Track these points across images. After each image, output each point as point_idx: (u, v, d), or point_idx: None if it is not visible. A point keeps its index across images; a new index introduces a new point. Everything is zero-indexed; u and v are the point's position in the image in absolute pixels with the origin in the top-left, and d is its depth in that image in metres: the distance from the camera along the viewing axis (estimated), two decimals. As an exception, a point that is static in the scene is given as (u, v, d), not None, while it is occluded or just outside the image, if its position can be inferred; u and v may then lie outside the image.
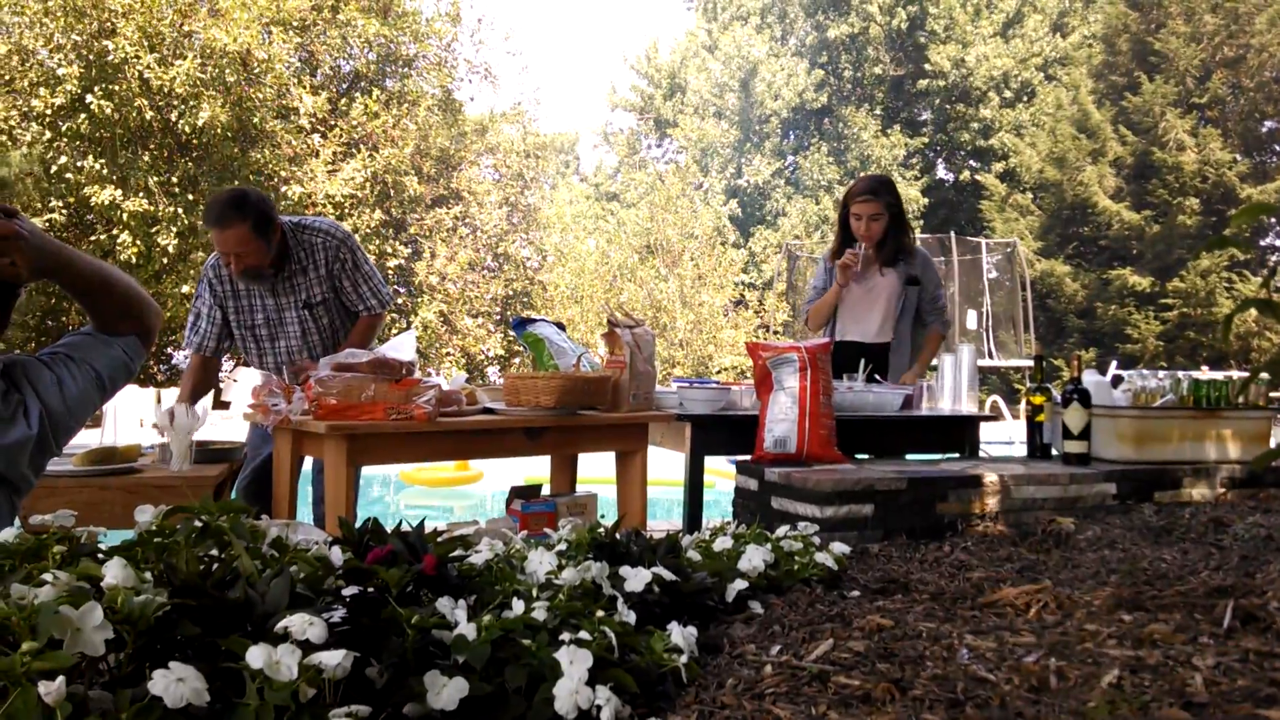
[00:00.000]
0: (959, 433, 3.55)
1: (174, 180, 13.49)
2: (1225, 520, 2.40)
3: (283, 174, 13.79)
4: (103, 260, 1.88)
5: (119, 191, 12.76)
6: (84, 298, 1.78)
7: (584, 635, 1.16)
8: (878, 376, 3.62)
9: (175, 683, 0.85)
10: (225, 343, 3.42)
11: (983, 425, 3.66)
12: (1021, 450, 3.27)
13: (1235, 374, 10.96)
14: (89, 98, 12.52)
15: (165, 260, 13.39)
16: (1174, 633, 1.36)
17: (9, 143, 12.69)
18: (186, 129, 13.04)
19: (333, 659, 0.91)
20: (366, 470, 7.94)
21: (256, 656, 0.89)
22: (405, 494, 8.50)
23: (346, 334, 3.45)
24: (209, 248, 13.12)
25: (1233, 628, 1.39)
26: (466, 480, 8.17)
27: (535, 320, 3.27)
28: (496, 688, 1.05)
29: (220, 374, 15.96)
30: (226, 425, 9.03)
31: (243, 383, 12.44)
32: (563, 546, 1.66)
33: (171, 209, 13.09)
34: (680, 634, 1.29)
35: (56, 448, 1.72)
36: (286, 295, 3.32)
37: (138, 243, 13.02)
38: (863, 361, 3.58)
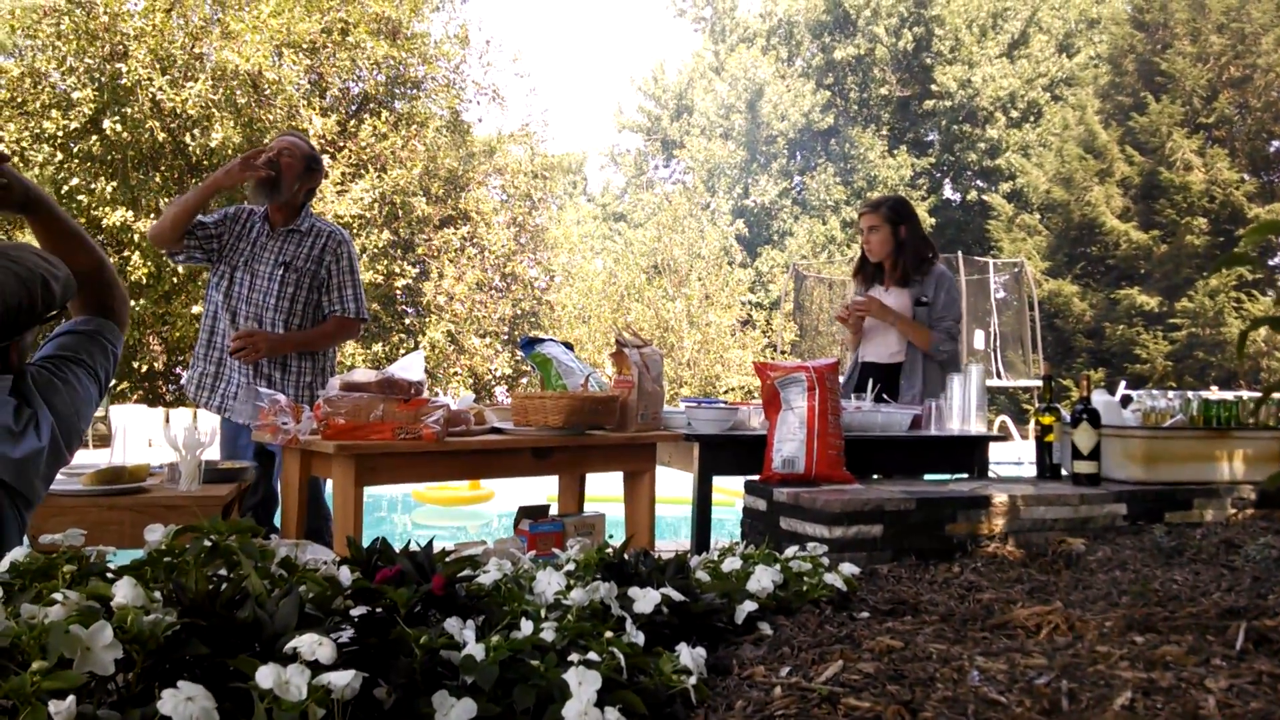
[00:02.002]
0: (968, 453, 3.54)
1: (184, 201, 13.57)
2: (1237, 541, 2.39)
3: (292, 194, 13.87)
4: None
5: (130, 212, 12.84)
6: (60, 248, 1.83)
7: (593, 656, 1.16)
8: (885, 396, 3.62)
9: (184, 702, 0.85)
10: (196, 240, 3.41)
11: (992, 445, 3.65)
12: (1031, 470, 3.26)
13: (1245, 394, 10.92)
14: (104, 121, 12.63)
15: (175, 280, 13.46)
16: (1186, 655, 1.35)
17: (21, 164, 12.79)
18: (198, 150, 13.14)
19: (341, 679, 0.91)
20: (378, 489, 7.95)
21: (266, 676, 0.89)
22: (417, 513, 8.50)
23: (308, 322, 3.50)
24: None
25: (1245, 650, 1.38)
26: (478, 499, 8.17)
27: (543, 340, 3.27)
28: (505, 708, 1.05)
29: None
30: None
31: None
32: (571, 567, 1.65)
33: (182, 230, 13.16)
34: (689, 655, 1.28)
35: (68, 454, 1.74)
36: (271, 250, 3.44)
37: (148, 263, 13.09)
38: (870, 381, 3.60)
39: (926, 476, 3.34)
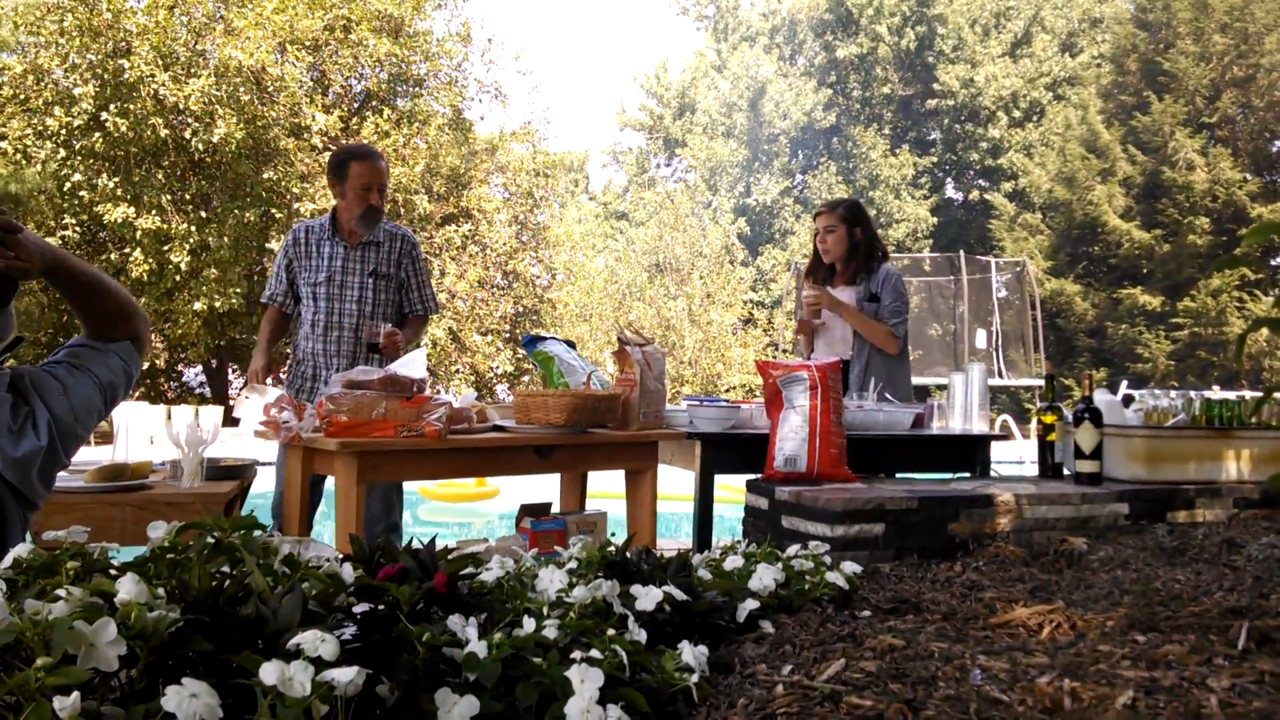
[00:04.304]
0: (970, 452, 3.54)
1: (186, 198, 13.59)
2: (1239, 541, 2.39)
3: (295, 191, 13.88)
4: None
5: (132, 209, 12.85)
6: (79, 299, 1.80)
7: (595, 654, 1.16)
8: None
9: (188, 698, 0.85)
10: (294, 301, 3.72)
11: (993, 444, 3.65)
12: (1033, 470, 3.26)
13: (1247, 394, 10.91)
14: (104, 116, 12.63)
15: (178, 278, 13.47)
16: (1188, 654, 1.35)
17: (24, 161, 12.80)
18: (200, 146, 13.14)
19: (345, 676, 0.91)
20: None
21: (269, 673, 0.89)
22: (421, 509, 8.51)
23: (394, 322, 3.70)
24: (221, 264, 13.20)
25: (1247, 649, 1.38)
26: (483, 496, 8.18)
27: (545, 338, 3.28)
28: (507, 706, 1.05)
29: (229, 391, 16.02)
30: (237, 442, 9.05)
31: (253, 401, 12.46)
32: (573, 564, 1.65)
33: (184, 226, 13.18)
34: (691, 653, 1.28)
35: (65, 457, 1.73)
36: (356, 261, 3.63)
37: (150, 260, 13.10)
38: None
39: (929, 476, 3.34)
